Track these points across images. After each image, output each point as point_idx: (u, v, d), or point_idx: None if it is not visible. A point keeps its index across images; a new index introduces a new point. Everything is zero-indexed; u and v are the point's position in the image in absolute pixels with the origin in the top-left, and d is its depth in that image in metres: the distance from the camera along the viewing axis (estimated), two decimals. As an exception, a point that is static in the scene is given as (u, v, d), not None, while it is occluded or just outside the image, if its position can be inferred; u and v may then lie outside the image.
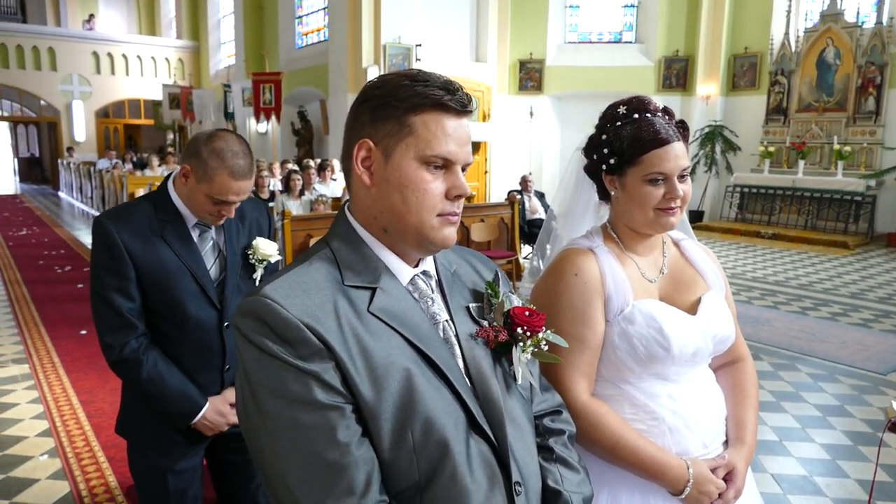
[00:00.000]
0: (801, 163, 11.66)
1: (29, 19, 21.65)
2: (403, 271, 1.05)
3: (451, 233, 1.02)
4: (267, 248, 1.96)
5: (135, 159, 15.81)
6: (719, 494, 1.36)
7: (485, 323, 1.10)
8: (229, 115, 15.22)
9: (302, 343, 0.91)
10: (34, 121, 21.77)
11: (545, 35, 13.96)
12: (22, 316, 6.00)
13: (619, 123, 1.40)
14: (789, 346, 5.24)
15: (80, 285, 7.21)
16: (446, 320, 1.06)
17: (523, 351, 1.09)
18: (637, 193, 1.38)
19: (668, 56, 13.52)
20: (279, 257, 2.00)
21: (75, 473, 3.15)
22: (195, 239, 1.83)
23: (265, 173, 8.39)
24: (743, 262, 9.12)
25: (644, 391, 1.40)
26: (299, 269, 0.99)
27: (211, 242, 1.87)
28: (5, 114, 20.56)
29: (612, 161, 1.40)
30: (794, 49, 11.89)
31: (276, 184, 8.96)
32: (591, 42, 14.26)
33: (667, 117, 1.40)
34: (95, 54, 20.32)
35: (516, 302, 1.15)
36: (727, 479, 1.38)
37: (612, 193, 1.44)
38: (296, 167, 9.64)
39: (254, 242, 1.95)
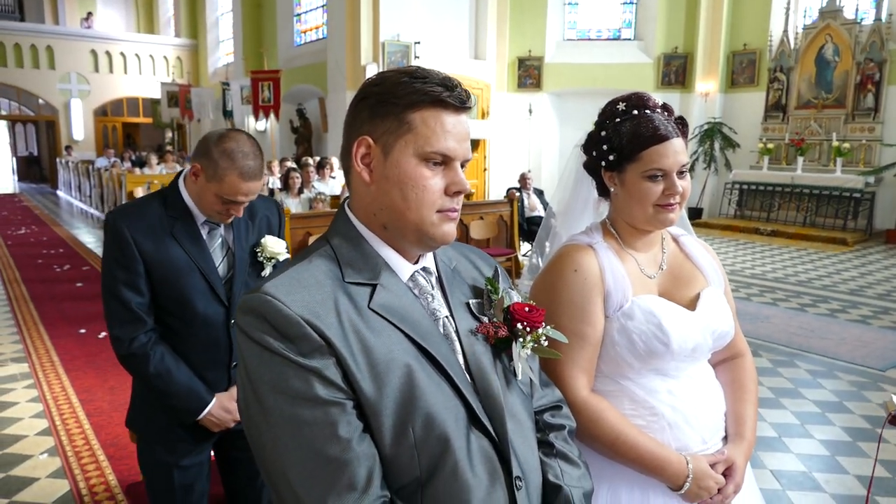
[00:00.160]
0: (800, 159, 11.65)
1: (27, 17, 21.56)
2: (403, 268, 1.05)
3: (451, 229, 1.03)
4: (275, 247, 1.97)
5: (133, 158, 15.75)
6: (718, 490, 1.37)
7: (485, 319, 1.11)
8: (228, 114, 15.17)
9: (303, 339, 0.91)
10: (32, 119, 21.72)
11: (544, 32, 13.95)
12: (21, 315, 5.99)
13: (618, 120, 1.40)
14: (788, 342, 5.24)
15: (78, 284, 7.21)
16: (446, 316, 1.07)
17: (523, 346, 1.09)
18: (636, 190, 1.38)
19: (667, 53, 13.52)
20: (287, 255, 2.00)
21: (75, 472, 3.16)
22: (204, 236, 1.85)
23: (264, 171, 8.38)
24: (742, 259, 9.13)
25: (643, 387, 1.40)
26: (299, 265, 0.99)
27: (220, 240, 1.89)
28: (3, 113, 20.51)
29: (611, 157, 1.40)
30: (792, 46, 11.88)
31: (274, 182, 8.97)
32: (590, 39, 14.24)
33: (666, 114, 1.40)
34: (94, 53, 20.26)
35: (516, 298, 1.15)
36: (726, 474, 1.39)
37: (612, 190, 1.44)
38: (294, 165, 9.65)
39: (262, 240, 1.96)
